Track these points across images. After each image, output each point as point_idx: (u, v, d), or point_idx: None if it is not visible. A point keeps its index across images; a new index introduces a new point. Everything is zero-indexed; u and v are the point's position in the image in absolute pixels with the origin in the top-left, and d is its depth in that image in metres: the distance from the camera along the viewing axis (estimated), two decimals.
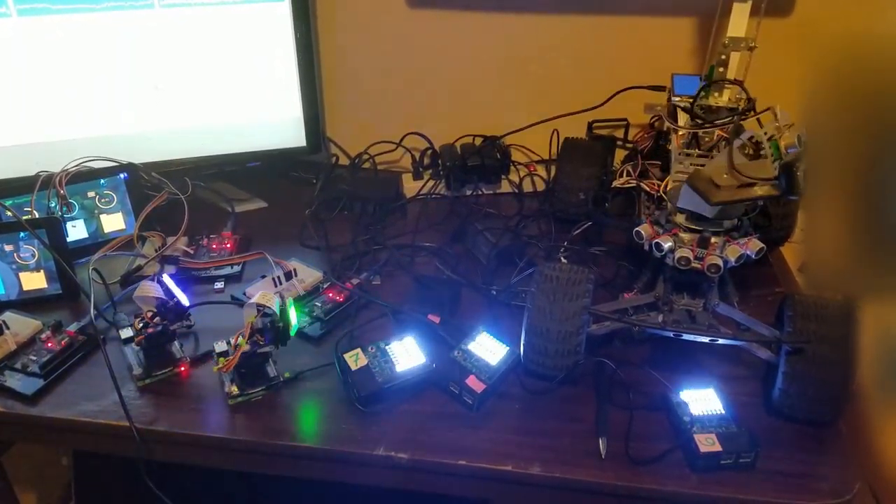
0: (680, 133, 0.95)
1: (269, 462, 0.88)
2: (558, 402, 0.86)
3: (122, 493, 1.28)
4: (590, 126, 1.29)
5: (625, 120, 1.28)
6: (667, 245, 0.80)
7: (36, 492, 1.40)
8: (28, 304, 1.01)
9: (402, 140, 1.30)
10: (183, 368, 0.90)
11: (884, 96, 1.08)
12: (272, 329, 0.84)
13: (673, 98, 1.03)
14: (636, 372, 0.89)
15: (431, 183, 1.30)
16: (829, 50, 1.17)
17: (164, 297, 0.88)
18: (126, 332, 0.93)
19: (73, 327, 0.95)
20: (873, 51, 1.10)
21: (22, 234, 1.01)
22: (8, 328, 0.93)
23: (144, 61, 1.17)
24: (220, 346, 0.89)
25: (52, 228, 1.01)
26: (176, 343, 0.92)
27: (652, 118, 1.19)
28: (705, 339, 0.83)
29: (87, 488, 1.33)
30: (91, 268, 0.97)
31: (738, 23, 1.01)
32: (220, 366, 0.85)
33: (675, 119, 0.99)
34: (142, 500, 0.86)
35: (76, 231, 1.10)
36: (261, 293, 0.83)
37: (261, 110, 1.26)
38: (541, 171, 1.32)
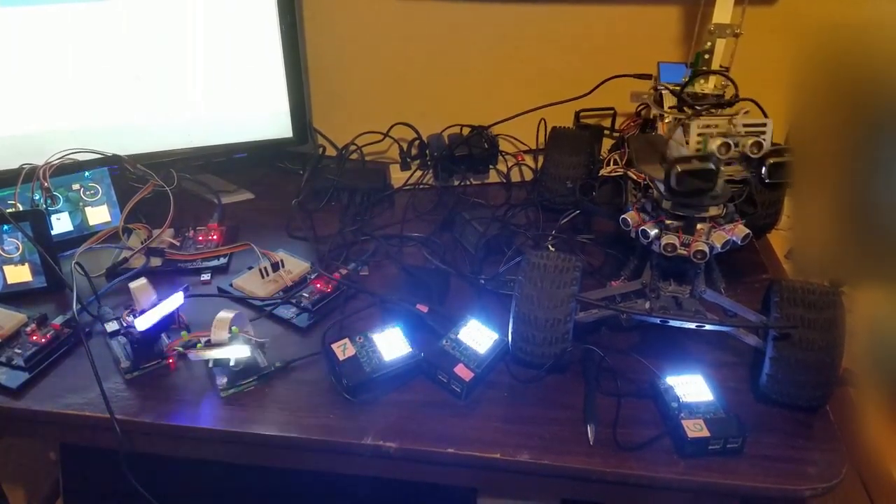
0: (666, 120, 0.95)
1: (257, 452, 0.88)
2: (546, 389, 0.86)
3: (110, 488, 1.27)
4: (577, 115, 1.28)
5: (612, 109, 1.28)
6: (653, 232, 0.80)
7: (24, 487, 1.39)
8: (12, 297, 1.00)
9: (389, 130, 1.30)
10: (171, 360, 0.89)
11: (869, 83, 1.08)
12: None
13: (659, 85, 1.03)
14: (624, 359, 0.89)
15: (419, 173, 1.30)
16: (815, 37, 1.17)
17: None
18: (112, 326, 0.92)
19: (58, 320, 0.94)
20: (859, 38, 1.11)
21: (6, 227, 1.00)
22: None
23: (126, 51, 1.16)
24: (206, 339, 0.89)
25: (36, 221, 1.00)
26: (164, 336, 0.92)
27: (638, 106, 1.19)
28: (692, 326, 0.83)
29: (74, 483, 1.32)
30: (74, 261, 0.96)
31: (724, 9, 1.01)
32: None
33: (661, 106, 0.99)
34: (130, 494, 0.86)
35: (61, 224, 1.09)
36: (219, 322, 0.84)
37: (247, 101, 1.25)
38: (528, 160, 1.32)
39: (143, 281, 0.87)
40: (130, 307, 0.89)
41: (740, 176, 0.81)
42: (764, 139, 0.79)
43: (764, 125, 0.80)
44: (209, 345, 0.85)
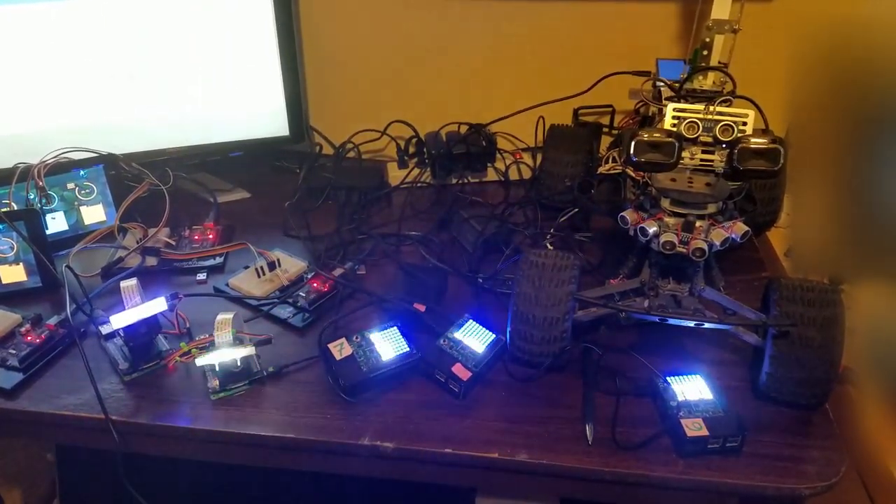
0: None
1: (254, 454, 0.87)
2: (545, 388, 0.85)
3: (107, 489, 1.27)
4: (575, 113, 1.28)
5: (610, 106, 1.27)
6: (652, 230, 0.80)
7: (21, 488, 1.39)
8: (7, 297, 1.00)
9: (386, 128, 1.29)
10: (171, 365, 0.88)
11: (867, 77, 1.08)
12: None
13: (657, 82, 1.02)
14: (623, 357, 0.89)
15: (416, 171, 1.29)
16: (812, 34, 1.17)
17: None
18: (107, 328, 0.91)
19: (53, 321, 0.94)
20: (856, 33, 1.10)
21: (0, 227, 0.99)
22: None
23: (121, 50, 1.15)
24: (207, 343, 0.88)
25: (30, 221, 0.99)
26: (161, 336, 0.91)
27: (637, 104, 1.18)
28: (691, 324, 0.83)
29: (71, 484, 1.32)
30: (65, 264, 0.95)
31: (722, 5, 1.00)
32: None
33: (659, 102, 0.98)
34: (127, 495, 0.85)
35: (56, 223, 1.09)
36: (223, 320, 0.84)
37: (243, 100, 1.25)
38: (527, 158, 1.32)
39: (132, 281, 0.87)
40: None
41: (721, 167, 0.81)
42: (740, 126, 0.79)
43: (742, 115, 0.79)
44: (212, 347, 0.84)
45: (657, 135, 0.77)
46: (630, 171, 0.99)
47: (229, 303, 1.00)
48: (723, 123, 0.79)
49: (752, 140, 0.76)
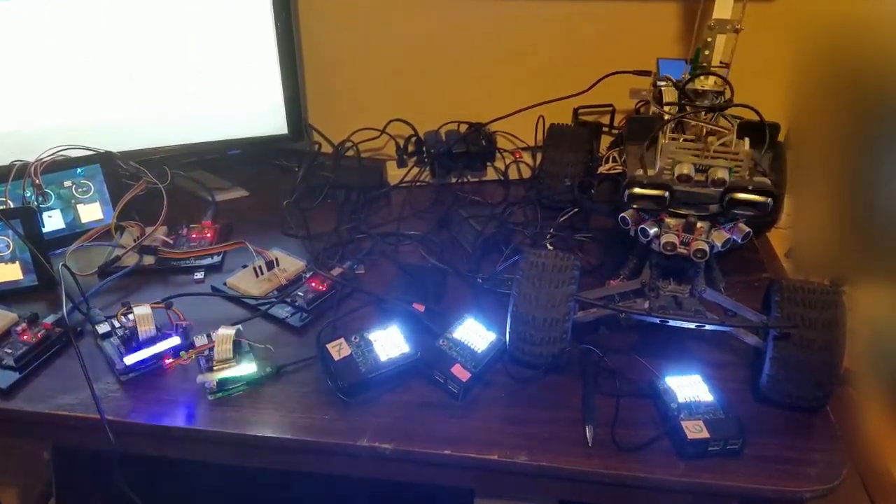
0: (665, 118, 0.94)
1: (251, 454, 0.86)
2: (544, 389, 0.85)
3: (103, 488, 1.26)
4: (575, 112, 1.28)
5: (610, 106, 1.27)
6: (652, 230, 0.79)
7: (16, 487, 1.38)
8: (3, 295, 0.99)
9: (385, 127, 1.29)
10: (167, 362, 0.88)
11: (868, 79, 1.07)
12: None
13: (658, 82, 1.02)
14: (623, 359, 0.88)
15: (416, 170, 1.29)
16: (814, 33, 1.16)
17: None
18: (103, 328, 0.91)
19: (49, 320, 0.93)
20: (857, 34, 1.10)
21: None
22: None
23: (120, 49, 1.14)
24: (200, 339, 0.88)
25: (27, 218, 0.99)
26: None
27: (638, 103, 1.18)
28: (692, 325, 0.82)
29: (67, 483, 1.31)
30: (62, 263, 0.94)
31: (724, 5, 1.00)
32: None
33: (660, 103, 0.98)
34: (124, 495, 0.85)
35: (52, 221, 1.08)
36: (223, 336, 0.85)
37: (242, 98, 1.24)
38: (526, 157, 1.31)
39: (146, 310, 0.87)
40: (127, 304, 0.89)
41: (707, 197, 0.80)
42: (735, 168, 0.78)
43: (738, 157, 0.78)
44: (213, 361, 0.85)
45: (650, 189, 0.77)
46: None
47: (227, 302, 0.99)
48: (719, 178, 0.77)
49: (743, 192, 0.75)
